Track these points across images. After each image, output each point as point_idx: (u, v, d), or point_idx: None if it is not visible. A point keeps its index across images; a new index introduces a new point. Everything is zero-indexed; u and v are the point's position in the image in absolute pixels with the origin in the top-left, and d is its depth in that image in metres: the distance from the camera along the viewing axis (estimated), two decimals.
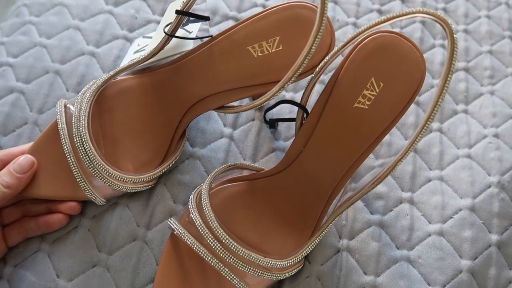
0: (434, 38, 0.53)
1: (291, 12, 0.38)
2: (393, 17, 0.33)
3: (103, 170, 0.37)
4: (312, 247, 0.36)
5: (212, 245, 0.34)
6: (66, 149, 0.37)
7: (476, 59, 0.52)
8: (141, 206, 0.41)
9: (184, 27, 0.42)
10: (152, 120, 0.41)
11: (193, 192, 0.38)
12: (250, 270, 0.34)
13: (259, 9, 0.52)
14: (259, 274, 0.34)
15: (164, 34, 0.40)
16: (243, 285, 0.34)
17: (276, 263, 0.34)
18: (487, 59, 0.52)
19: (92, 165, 0.37)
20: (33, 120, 0.44)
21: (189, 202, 0.37)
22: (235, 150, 0.44)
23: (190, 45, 0.42)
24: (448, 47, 0.31)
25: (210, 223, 0.34)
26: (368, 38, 0.36)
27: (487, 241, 0.41)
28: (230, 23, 0.51)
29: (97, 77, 0.46)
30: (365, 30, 0.34)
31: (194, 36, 0.42)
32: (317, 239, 0.36)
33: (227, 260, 0.34)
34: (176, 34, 0.40)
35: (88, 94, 0.39)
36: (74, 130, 0.37)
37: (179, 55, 0.41)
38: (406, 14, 0.32)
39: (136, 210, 0.40)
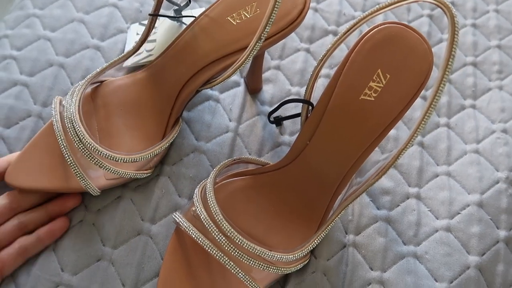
0: (442, 32, 0.52)
1: None
2: (395, 2, 0.32)
3: (94, 149, 0.36)
4: (318, 241, 0.36)
5: (217, 238, 0.33)
6: (57, 132, 0.37)
7: (485, 54, 0.51)
8: (146, 200, 0.40)
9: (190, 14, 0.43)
10: (146, 111, 0.41)
11: (198, 186, 0.38)
12: (256, 264, 0.34)
13: None
14: (265, 268, 0.34)
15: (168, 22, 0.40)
16: (249, 279, 0.34)
17: (281, 257, 0.34)
18: (495, 54, 0.51)
19: (83, 145, 0.36)
20: (37, 113, 0.44)
21: (194, 196, 0.37)
22: (240, 144, 0.44)
23: None
24: (448, 31, 0.31)
25: (215, 216, 0.34)
26: (375, 30, 0.36)
27: (495, 237, 0.41)
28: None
29: None
30: (367, 16, 0.34)
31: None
32: (323, 233, 0.36)
33: (233, 253, 0.33)
34: (173, 21, 0.41)
35: (81, 83, 0.40)
36: (64, 113, 0.38)
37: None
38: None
39: (141, 204, 0.40)
